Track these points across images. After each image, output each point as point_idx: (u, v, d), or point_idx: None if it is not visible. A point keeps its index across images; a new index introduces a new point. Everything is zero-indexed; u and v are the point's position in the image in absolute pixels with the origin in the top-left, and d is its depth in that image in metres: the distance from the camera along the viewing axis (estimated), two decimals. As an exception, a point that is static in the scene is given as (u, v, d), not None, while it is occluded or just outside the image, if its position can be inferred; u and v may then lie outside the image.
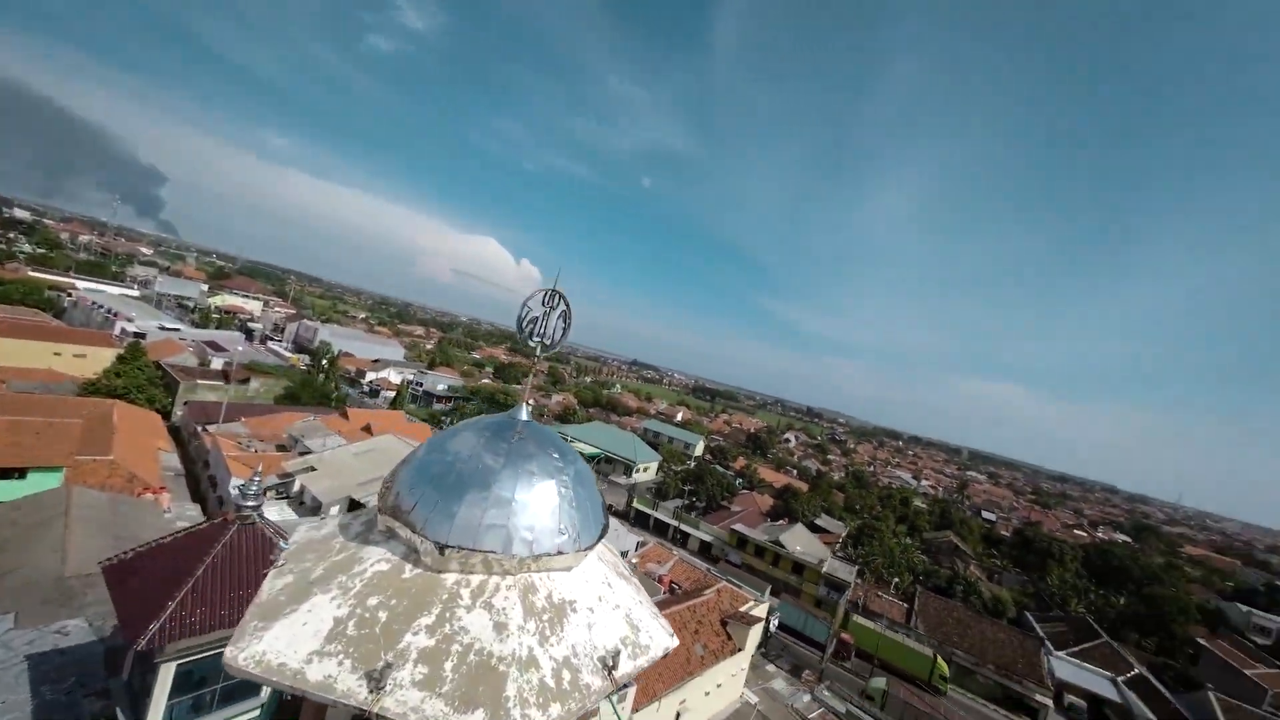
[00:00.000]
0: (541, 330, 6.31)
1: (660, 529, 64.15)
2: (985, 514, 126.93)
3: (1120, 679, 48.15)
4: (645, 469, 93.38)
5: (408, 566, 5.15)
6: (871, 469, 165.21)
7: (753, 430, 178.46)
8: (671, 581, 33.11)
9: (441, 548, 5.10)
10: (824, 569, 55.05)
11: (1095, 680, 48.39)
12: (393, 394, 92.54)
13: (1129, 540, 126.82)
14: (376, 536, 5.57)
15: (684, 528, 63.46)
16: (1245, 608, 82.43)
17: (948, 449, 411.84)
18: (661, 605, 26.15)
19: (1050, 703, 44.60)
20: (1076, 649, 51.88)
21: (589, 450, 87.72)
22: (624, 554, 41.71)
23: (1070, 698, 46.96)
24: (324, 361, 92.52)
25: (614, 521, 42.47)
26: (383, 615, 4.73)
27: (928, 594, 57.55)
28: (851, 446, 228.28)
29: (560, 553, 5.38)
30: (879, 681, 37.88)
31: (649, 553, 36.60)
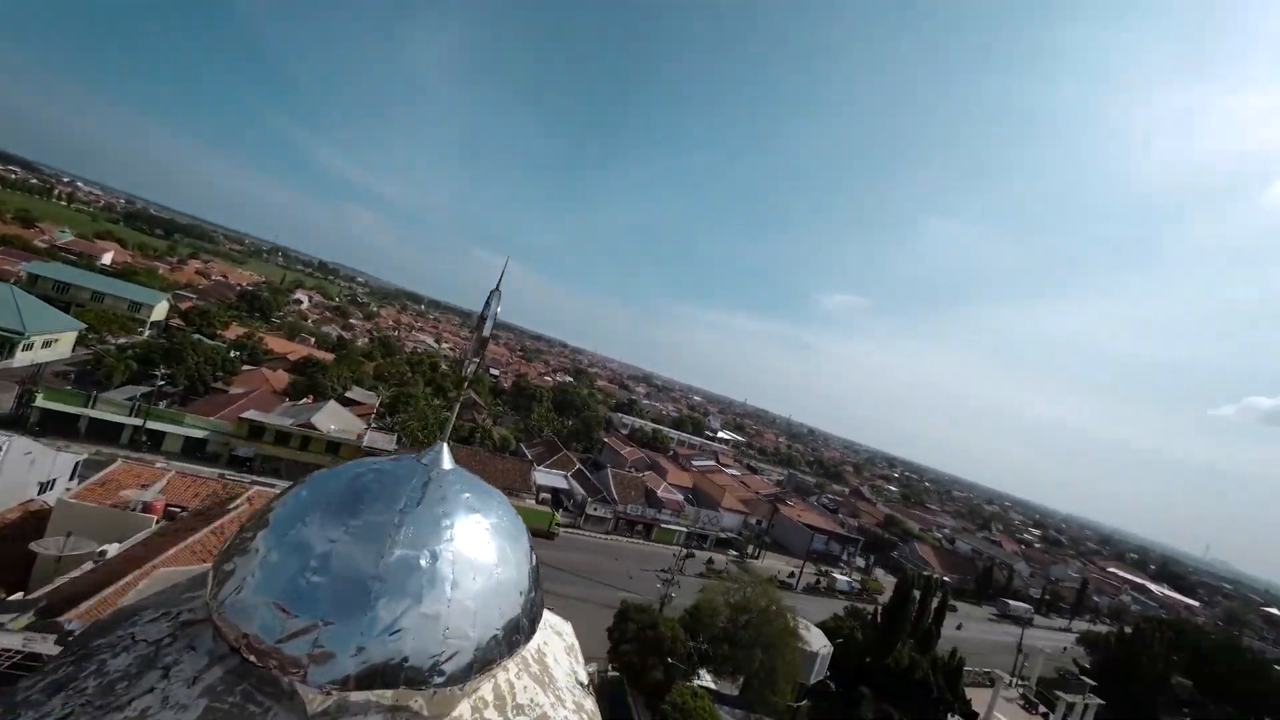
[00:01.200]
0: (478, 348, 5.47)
1: (104, 433, 44.41)
2: (492, 371, 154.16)
3: (569, 474, 72.88)
4: (50, 343, 59.53)
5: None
6: (396, 334, 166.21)
7: (246, 286, 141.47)
8: (168, 505, 24.34)
9: (461, 683, 3.81)
10: (364, 443, 53.91)
11: (557, 479, 71.21)
12: None
13: (573, 380, 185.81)
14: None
15: (154, 425, 46.27)
16: (620, 415, 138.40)
17: (462, 313, 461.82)
18: (166, 539, 19.21)
19: (534, 500, 62.96)
20: (549, 461, 74.01)
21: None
22: (53, 484, 27.05)
23: (543, 494, 67.62)
24: None
25: (21, 442, 26.32)
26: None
27: (456, 446, 66.58)
28: (374, 309, 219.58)
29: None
30: None
31: (119, 475, 24.88)
